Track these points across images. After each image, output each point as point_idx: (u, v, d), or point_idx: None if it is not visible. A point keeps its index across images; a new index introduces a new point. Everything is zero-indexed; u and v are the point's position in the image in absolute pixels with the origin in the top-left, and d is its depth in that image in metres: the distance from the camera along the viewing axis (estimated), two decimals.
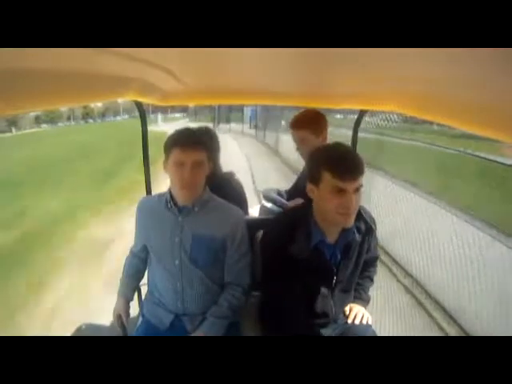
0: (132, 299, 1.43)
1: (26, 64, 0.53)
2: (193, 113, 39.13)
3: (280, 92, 1.64)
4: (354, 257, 1.19)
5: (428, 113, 1.18)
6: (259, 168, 8.17)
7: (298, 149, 1.71)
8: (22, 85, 0.58)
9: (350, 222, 1.06)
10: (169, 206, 1.21)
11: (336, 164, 0.98)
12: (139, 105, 1.72)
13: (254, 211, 2.10)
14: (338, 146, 1.08)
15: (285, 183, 4.09)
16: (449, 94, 0.89)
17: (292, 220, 1.14)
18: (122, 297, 1.38)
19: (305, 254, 1.06)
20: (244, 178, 2.60)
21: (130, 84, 1.15)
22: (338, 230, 1.14)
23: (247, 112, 21.58)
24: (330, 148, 1.10)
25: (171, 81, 1.23)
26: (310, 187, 1.07)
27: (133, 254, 1.43)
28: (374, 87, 1.19)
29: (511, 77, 0.56)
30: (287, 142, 6.42)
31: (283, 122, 9.98)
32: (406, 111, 1.33)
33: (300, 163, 1.92)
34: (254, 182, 6.73)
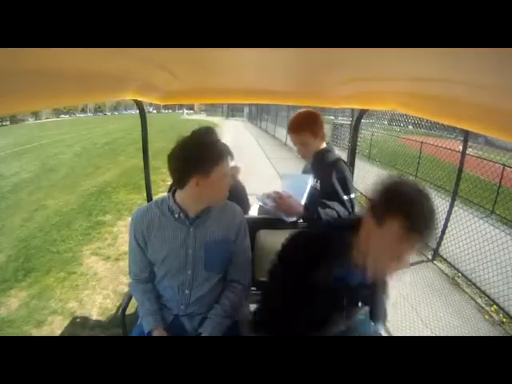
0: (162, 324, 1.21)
1: (25, 64, 0.53)
2: (208, 109, 48.88)
3: (280, 91, 1.64)
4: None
5: (428, 112, 1.18)
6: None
7: (299, 151, 1.70)
8: (22, 85, 0.58)
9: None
10: (176, 216, 1.16)
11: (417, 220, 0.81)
12: (139, 104, 1.72)
13: (252, 211, 2.10)
14: (422, 203, 0.83)
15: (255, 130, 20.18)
16: (449, 93, 0.89)
17: (325, 243, 0.96)
18: (155, 326, 1.18)
19: (326, 282, 0.92)
20: (244, 133, 17.90)
21: (129, 83, 1.14)
22: None
23: (246, 110, 34.97)
24: (412, 200, 0.83)
25: (171, 80, 1.23)
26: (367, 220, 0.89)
27: (137, 279, 1.27)
28: (374, 87, 1.19)
29: (510, 77, 0.56)
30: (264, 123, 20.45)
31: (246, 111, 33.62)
32: (406, 111, 1.33)
33: None
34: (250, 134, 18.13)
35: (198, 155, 1.05)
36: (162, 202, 1.21)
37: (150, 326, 1.18)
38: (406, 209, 0.81)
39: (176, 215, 1.16)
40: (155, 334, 1.15)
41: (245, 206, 1.79)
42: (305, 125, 1.63)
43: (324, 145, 1.69)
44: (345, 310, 0.99)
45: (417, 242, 0.84)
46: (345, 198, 1.50)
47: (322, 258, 0.94)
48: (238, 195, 1.71)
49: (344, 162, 1.59)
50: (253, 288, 1.46)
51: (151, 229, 1.18)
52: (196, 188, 1.09)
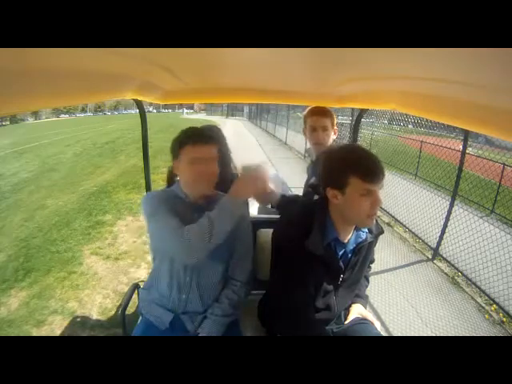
0: None
1: (25, 64, 0.53)
2: (208, 108, 50.16)
3: (280, 91, 1.64)
4: (362, 257, 1.19)
5: (428, 112, 1.18)
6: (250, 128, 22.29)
7: (321, 137, 1.72)
8: (22, 85, 0.58)
9: (374, 222, 1.10)
10: (185, 201, 1.21)
11: (364, 168, 0.98)
12: (139, 103, 1.72)
13: (253, 210, 2.10)
14: (357, 149, 1.05)
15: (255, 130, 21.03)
16: (448, 93, 0.89)
17: (310, 215, 1.12)
18: None
19: (318, 250, 1.06)
20: (244, 132, 19.26)
21: (129, 83, 1.14)
22: (351, 230, 1.14)
23: (246, 109, 36.15)
24: (351, 152, 1.05)
25: (171, 80, 1.23)
26: (332, 192, 1.05)
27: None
28: (374, 87, 1.19)
29: (510, 77, 0.56)
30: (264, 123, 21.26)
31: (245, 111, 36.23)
32: (406, 110, 1.33)
33: None
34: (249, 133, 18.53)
35: (174, 143, 1.19)
36: (173, 189, 1.26)
37: None
38: (356, 165, 0.98)
39: (186, 200, 1.22)
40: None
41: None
42: (329, 112, 1.73)
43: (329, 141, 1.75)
44: (338, 274, 1.16)
45: (376, 186, 0.98)
46: None
47: (312, 223, 1.08)
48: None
49: None
50: (255, 292, 1.46)
51: (163, 205, 1.15)
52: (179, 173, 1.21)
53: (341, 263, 1.14)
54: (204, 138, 1.15)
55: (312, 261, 1.08)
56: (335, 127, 1.75)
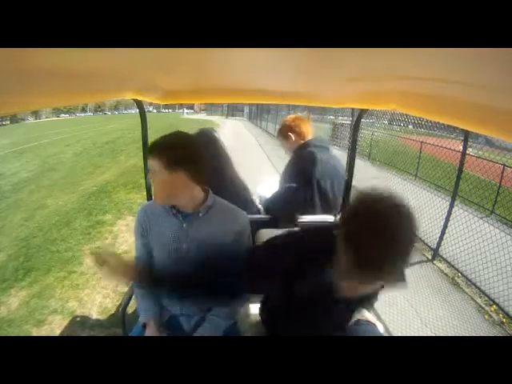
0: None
1: (25, 64, 0.53)
2: (208, 108, 50.41)
3: (280, 91, 1.64)
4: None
5: (428, 112, 1.18)
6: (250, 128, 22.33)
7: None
8: (22, 85, 0.58)
9: None
10: (172, 212, 1.20)
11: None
12: (139, 103, 1.72)
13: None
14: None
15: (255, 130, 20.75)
16: (449, 93, 0.89)
17: (311, 252, 0.90)
18: (151, 320, 1.20)
19: (314, 292, 0.92)
20: (244, 132, 19.42)
21: (129, 83, 1.14)
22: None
23: (246, 109, 36.23)
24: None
25: (170, 80, 1.23)
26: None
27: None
28: (374, 87, 1.19)
29: (510, 77, 0.56)
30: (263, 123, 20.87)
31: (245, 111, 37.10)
32: (406, 111, 1.33)
33: None
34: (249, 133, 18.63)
35: None
36: None
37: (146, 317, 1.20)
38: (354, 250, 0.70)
39: (172, 211, 1.19)
40: (150, 325, 1.18)
41: (249, 206, 1.77)
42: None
43: (301, 141, 1.91)
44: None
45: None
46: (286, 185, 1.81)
47: (312, 261, 0.88)
48: (238, 195, 1.70)
49: (311, 154, 1.77)
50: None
51: (152, 220, 1.22)
52: None
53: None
54: (153, 149, 1.10)
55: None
56: (300, 131, 1.90)
